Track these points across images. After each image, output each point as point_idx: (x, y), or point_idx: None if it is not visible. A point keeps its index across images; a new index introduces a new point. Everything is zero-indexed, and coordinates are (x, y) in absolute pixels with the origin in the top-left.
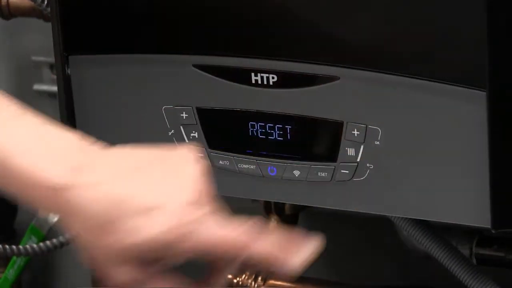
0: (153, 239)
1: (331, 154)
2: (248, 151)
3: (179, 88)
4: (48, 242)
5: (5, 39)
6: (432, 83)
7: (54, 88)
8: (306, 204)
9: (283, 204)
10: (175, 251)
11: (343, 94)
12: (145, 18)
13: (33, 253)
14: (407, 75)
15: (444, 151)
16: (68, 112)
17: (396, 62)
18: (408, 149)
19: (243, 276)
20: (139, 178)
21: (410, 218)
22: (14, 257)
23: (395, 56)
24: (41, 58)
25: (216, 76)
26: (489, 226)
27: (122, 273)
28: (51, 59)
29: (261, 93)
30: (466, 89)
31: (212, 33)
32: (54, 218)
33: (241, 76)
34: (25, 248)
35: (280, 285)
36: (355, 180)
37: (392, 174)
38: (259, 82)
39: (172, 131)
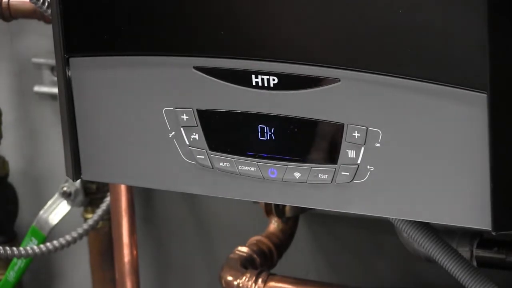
0: None
1: (331, 156)
2: (248, 153)
3: (179, 90)
4: (48, 244)
5: (6, 41)
6: (433, 85)
7: (55, 90)
8: (307, 206)
9: (284, 206)
10: None
11: (343, 96)
12: (146, 20)
13: (33, 255)
14: (408, 77)
15: (445, 153)
16: (68, 114)
17: (397, 64)
18: (409, 151)
19: (244, 278)
20: None
21: (411, 220)
22: (15, 259)
23: (395, 58)
24: (42, 60)
25: (217, 78)
26: (490, 228)
27: None
28: (52, 61)
29: (262, 95)
30: (467, 91)
31: (213, 35)
32: (55, 220)
33: (242, 78)
34: (26, 250)
35: (280, 287)
36: (355, 182)
37: (392, 176)
38: (260, 84)
39: (173, 133)
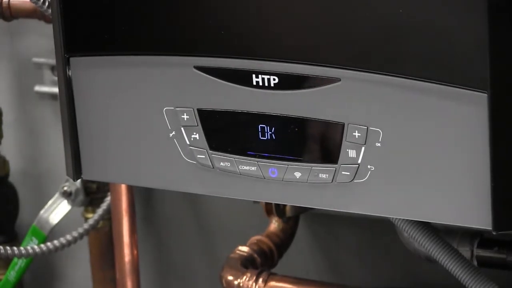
0: None
1: (332, 156)
2: (249, 152)
3: (180, 89)
4: (49, 244)
5: (6, 40)
6: (433, 84)
7: (55, 90)
8: (307, 206)
9: (284, 205)
10: None
11: (344, 96)
12: (146, 20)
13: (34, 255)
14: (408, 77)
15: (445, 153)
16: (69, 113)
17: (397, 64)
18: (409, 150)
19: (244, 277)
20: None
21: (411, 220)
22: (15, 259)
23: (396, 58)
24: (42, 60)
25: (217, 77)
26: (490, 228)
27: None
28: (52, 60)
29: (262, 94)
30: (467, 90)
31: (213, 35)
32: (55, 220)
33: (242, 78)
34: (26, 250)
35: (281, 287)
36: (356, 181)
37: (393, 176)
38: (260, 83)
39: (173, 132)
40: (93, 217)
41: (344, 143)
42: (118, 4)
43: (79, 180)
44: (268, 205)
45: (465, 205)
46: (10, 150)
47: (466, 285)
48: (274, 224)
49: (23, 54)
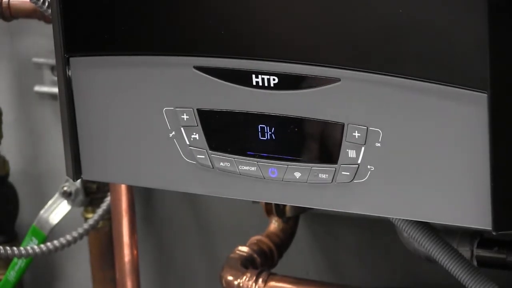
0: None
1: (332, 156)
2: (249, 152)
3: (180, 89)
4: (49, 244)
5: (6, 40)
6: (433, 84)
7: (55, 90)
8: (307, 206)
9: (284, 206)
10: None
11: (344, 96)
12: (146, 20)
13: (34, 255)
14: (408, 77)
15: (445, 153)
16: (69, 114)
17: (397, 64)
18: (409, 150)
19: (244, 277)
20: None
21: (411, 220)
22: (15, 259)
23: (396, 58)
24: (42, 60)
25: (217, 77)
26: (490, 228)
27: None
28: (52, 60)
29: (262, 94)
30: (467, 90)
31: (213, 35)
32: (55, 220)
33: (242, 78)
34: (26, 250)
35: (281, 287)
36: (356, 182)
37: (393, 176)
38: (260, 83)
39: (173, 132)
40: (93, 217)
41: (344, 143)
42: (118, 4)
43: (79, 180)
44: (268, 205)
45: (465, 205)
46: (10, 150)
47: (466, 285)
48: (274, 224)
49: (23, 54)
